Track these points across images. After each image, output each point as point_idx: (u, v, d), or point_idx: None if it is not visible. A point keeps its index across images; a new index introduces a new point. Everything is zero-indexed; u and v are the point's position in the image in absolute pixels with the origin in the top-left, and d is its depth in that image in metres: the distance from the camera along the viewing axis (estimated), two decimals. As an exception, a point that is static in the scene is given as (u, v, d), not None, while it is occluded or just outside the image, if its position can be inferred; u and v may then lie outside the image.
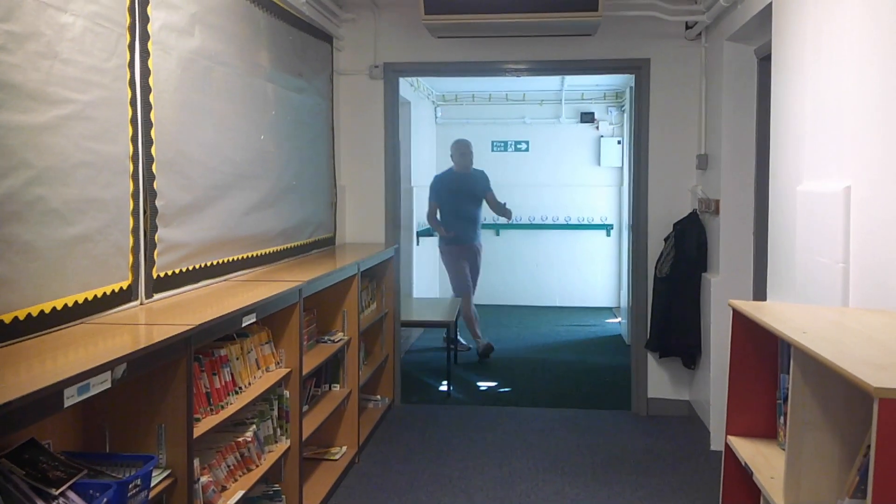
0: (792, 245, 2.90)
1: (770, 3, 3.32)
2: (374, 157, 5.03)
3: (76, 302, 2.13)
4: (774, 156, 3.26)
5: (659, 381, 4.90)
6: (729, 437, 2.11)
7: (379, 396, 4.77)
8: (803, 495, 1.63)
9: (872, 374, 1.28)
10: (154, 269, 2.55)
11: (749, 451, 1.97)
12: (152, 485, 2.01)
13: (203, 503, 2.33)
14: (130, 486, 1.87)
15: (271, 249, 3.63)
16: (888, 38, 2.13)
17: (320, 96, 4.48)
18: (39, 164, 1.96)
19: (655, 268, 4.78)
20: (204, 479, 2.36)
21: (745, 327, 2.07)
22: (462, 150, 6.54)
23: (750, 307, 2.02)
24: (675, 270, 4.63)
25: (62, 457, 1.89)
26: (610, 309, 8.75)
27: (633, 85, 5.08)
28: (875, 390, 1.21)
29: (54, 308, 2.04)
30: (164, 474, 2.09)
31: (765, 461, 1.87)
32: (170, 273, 2.65)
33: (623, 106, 8.57)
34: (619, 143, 8.78)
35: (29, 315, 1.94)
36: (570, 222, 9.03)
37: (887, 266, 2.11)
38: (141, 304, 2.47)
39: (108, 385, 1.74)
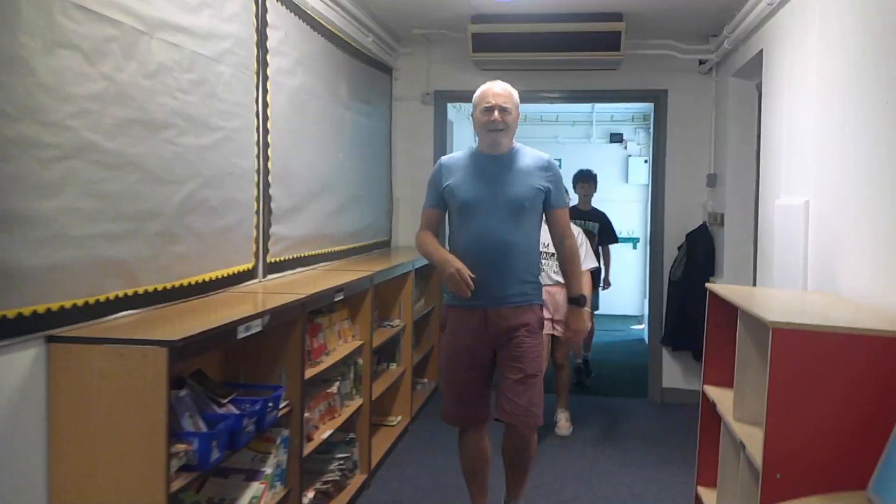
0: (772, 247, 3.59)
1: (762, 49, 4.03)
2: (424, 172, 5.76)
3: (223, 275, 2.90)
4: (762, 175, 3.96)
5: (673, 372, 5.56)
6: (705, 385, 2.80)
7: (426, 380, 5.49)
8: (746, 413, 2.32)
9: (771, 315, 1.98)
10: (268, 256, 3.32)
11: (716, 393, 2.66)
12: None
13: (306, 433, 3.08)
14: (268, 405, 2.63)
15: (345, 247, 4.40)
16: (843, 78, 2.81)
17: (381, 120, 5.26)
18: (206, 174, 2.74)
19: (670, 273, 5.47)
20: (307, 414, 3.10)
21: (717, 304, 2.77)
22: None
23: (719, 287, 2.72)
24: (686, 275, 5.31)
25: (218, 382, 2.66)
26: (636, 317, 9.38)
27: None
28: (769, 323, 1.91)
29: (211, 278, 2.81)
30: (285, 403, 2.84)
31: (725, 397, 2.55)
32: (278, 259, 3.43)
33: (650, 127, 9.25)
34: (645, 162, 9.44)
35: (197, 282, 2.71)
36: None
37: (833, 261, 2.80)
38: (259, 281, 3.24)
39: (259, 328, 2.49)
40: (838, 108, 2.81)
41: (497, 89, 3.01)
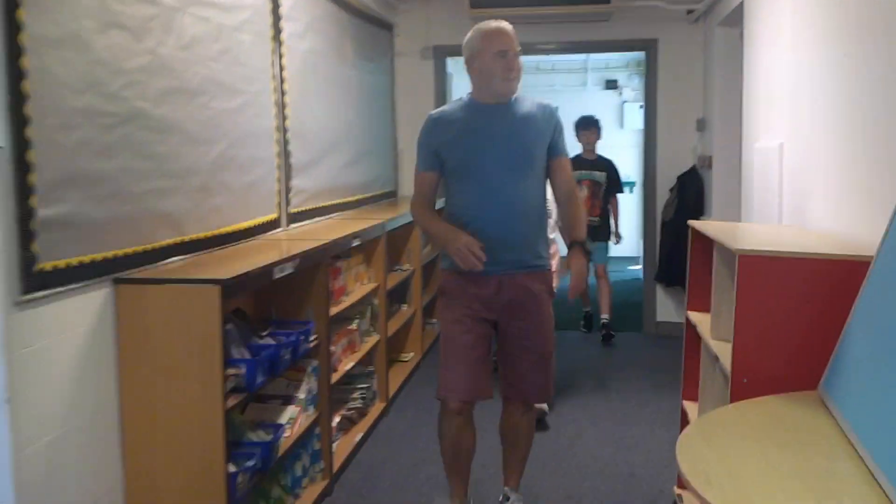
0: (752, 187, 3.88)
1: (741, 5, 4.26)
2: (426, 125, 6.05)
3: (252, 225, 3.21)
4: (745, 120, 4.23)
5: (666, 307, 5.90)
6: (688, 311, 3.13)
7: (434, 320, 5.84)
8: (721, 332, 2.65)
9: (737, 244, 2.29)
10: (290, 207, 3.63)
11: (697, 317, 2.99)
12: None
13: (332, 364, 3.42)
14: (301, 337, 2.96)
15: (357, 197, 4.70)
16: (812, 30, 3.07)
17: (384, 75, 5.50)
18: (233, 135, 3.02)
19: (662, 213, 5.77)
20: (332, 348, 3.44)
21: (697, 238, 3.08)
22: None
23: (698, 224, 3.03)
24: (678, 215, 5.60)
25: (255, 319, 2.99)
26: (634, 258, 9.70)
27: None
28: (735, 250, 2.22)
29: (242, 228, 3.12)
30: (314, 337, 3.17)
31: (705, 320, 2.88)
32: (298, 210, 3.73)
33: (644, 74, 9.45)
34: (640, 107, 9.64)
35: (231, 231, 3.02)
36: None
37: (805, 196, 3.09)
38: (283, 230, 3.55)
39: (291, 270, 2.81)
40: (807, 58, 3.08)
41: (509, 31, 2.70)
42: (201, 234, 2.78)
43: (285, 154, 3.57)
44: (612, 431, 3.91)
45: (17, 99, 1.87)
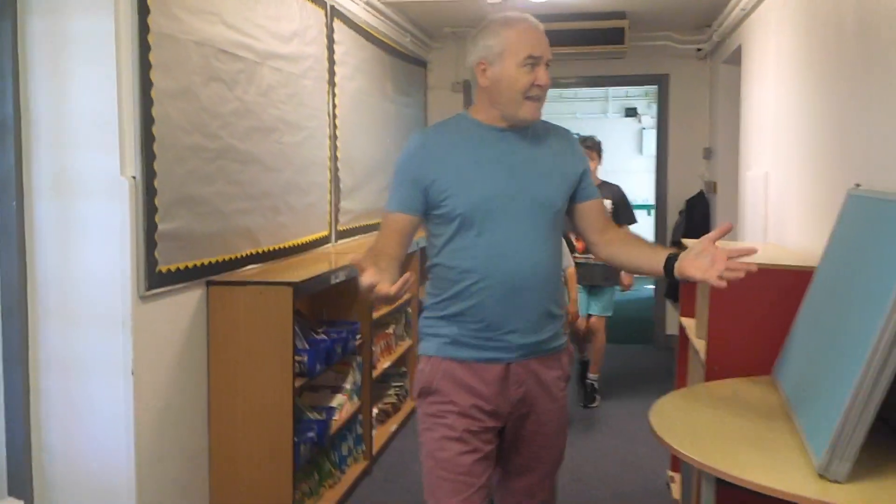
0: (746, 209, 4.39)
1: (740, 44, 4.79)
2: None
3: (309, 240, 3.78)
4: (741, 150, 4.74)
5: (674, 321, 6.37)
6: (681, 317, 3.64)
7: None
8: (702, 331, 3.15)
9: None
10: (338, 225, 4.20)
11: (687, 322, 3.50)
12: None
13: (372, 362, 3.97)
14: (350, 335, 3.51)
15: (393, 218, 5.26)
16: (791, 73, 3.59)
17: (418, 108, 6.09)
18: (297, 164, 3.61)
19: (672, 233, 6.27)
20: (373, 348, 3.99)
21: (691, 254, 3.59)
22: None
23: (689, 241, 3.54)
24: (686, 236, 6.10)
25: (311, 319, 3.55)
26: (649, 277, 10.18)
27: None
28: (709, 261, 2.74)
29: (302, 242, 3.69)
30: (359, 336, 3.72)
31: (692, 324, 3.39)
32: (346, 228, 4.31)
33: (661, 103, 9.98)
34: (657, 134, 10.17)
35: (294, 244, 3.59)
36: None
37: (784, 218, 3.60)
38: (333, 245, 4.12)
39: (344, 278, 3.37)
40: (786, 96, 3.60)
41: (542, 31, 1.97)
42: (272, 247, 3.35)
43: (336, 179, 4.14)
44: (616, 426, 4.41)
45: (148, 139, 2.46)
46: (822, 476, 1.61)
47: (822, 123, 3.03)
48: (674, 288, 6.23)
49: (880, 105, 2.35)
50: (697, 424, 2.14)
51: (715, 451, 1.84)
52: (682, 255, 1.97)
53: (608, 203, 4.78)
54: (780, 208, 3.67)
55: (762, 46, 4.20)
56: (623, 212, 4.87)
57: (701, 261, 1.91)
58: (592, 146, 4.89)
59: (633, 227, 4.73)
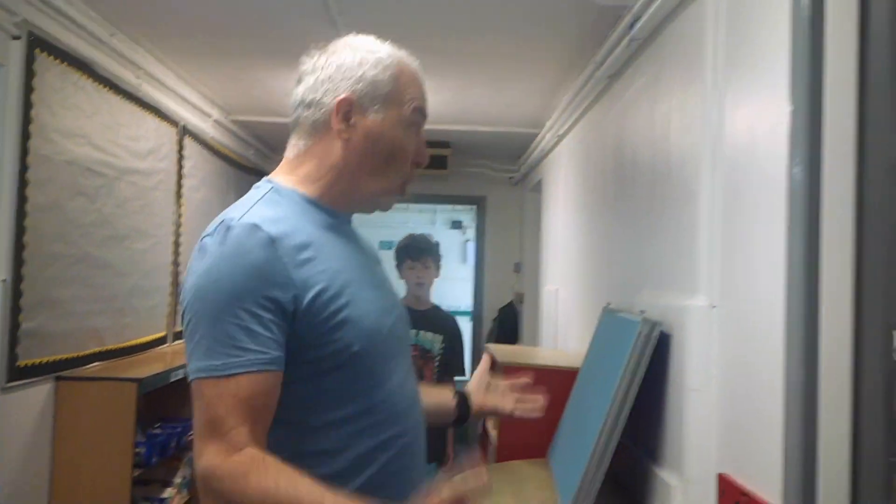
0: (543, 319, 5.13)
1: (541, 178, 5.68)
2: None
3: (149, 340, 4.06)
4: (541, 267, 5.55)
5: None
6: (485, 412, 4.23)
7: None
8: (495, 423, 3.74)
9: (502, 358, 3.42)
10: (175, 327, 4.49)
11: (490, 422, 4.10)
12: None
13: (206, 454, 4.22)
14: (185, 430, 3.79)
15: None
16: (573, 206, 4.40)
17: (258, 215, 6.51)
18: (143, 268, 3.92)
19: (486, 339, 6.98)
20: (207, 440, 4.25)
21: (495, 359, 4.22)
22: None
23: (492, 346, 4.18)
24: (498, 340, 6.82)
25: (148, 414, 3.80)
26: (464, 381, 10.85)
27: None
28: (500, 363, 3.36)
29: (142, 342, 3.96)
30: (191, 432, 3.99)
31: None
32: (181, 330, 4.58)
33: (483, 218, 10.98)
34: (479, 246, 11.12)
35: (135, 344, 3.86)
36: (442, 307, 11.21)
37: (568, 328, 4.32)
38: (169, 345, 4.40)
39: (182, 376, 3.67)
40: (569, 226, 4.41)
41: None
42: (116, 346, 3.62)
43: (176, 283, 4.47)
44: None
45: (20, 247, 2.76)
46: (563, 521, 2.18)
47: (590, 249, 3.80)
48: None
49: (626, 234, 3.09)
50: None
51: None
52: (470, 392, 1.86)
53: (437, 339, 3.82)
54: (566, 319, 4.41)
55: (555, 180, 5.07)
56: (453, 357, 3.83)
57: (493, 394, 1.88)
58: (427, 251, 4.07)
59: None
